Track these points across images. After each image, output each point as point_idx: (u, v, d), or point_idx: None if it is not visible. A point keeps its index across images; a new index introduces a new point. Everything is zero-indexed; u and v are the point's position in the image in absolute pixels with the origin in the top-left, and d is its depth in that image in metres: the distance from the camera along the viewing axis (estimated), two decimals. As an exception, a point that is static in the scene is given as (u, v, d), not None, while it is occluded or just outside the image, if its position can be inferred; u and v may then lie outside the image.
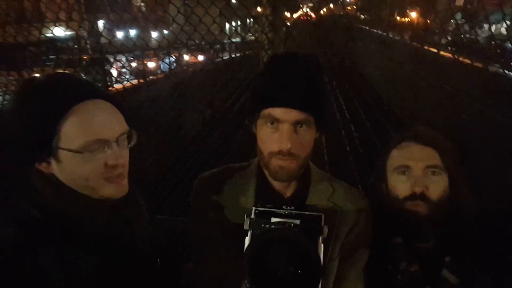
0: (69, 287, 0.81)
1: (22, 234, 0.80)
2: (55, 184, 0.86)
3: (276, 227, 0.84)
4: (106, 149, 0.86)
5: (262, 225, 0.85)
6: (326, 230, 0.86)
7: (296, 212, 0.87)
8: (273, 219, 0.86)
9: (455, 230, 1.11)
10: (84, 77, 0.87)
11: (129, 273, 0.93)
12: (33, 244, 0.79)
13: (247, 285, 0.76)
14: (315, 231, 0.86)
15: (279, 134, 0.95)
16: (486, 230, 1.11)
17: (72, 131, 0.81)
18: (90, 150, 0.83)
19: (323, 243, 0.86)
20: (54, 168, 0.86)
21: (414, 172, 1.13)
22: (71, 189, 0.87)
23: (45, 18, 2.68)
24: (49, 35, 2.82)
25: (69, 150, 0.82)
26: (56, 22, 2.72)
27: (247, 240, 0.85)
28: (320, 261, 0.78)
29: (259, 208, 0.88)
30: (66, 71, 0.91)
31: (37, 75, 0.93)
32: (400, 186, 1.16)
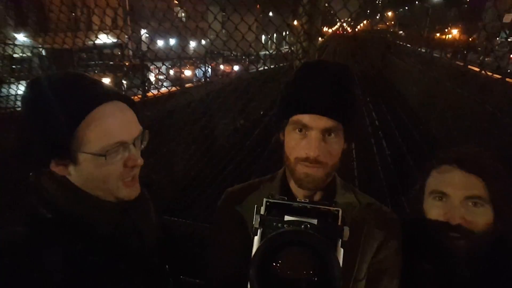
0: (76, 287, 0.81)
1: (32, 233, 0.80)
2: (67, 186, 0.86)
3: (290, 228, 0.73)
4: (124, 151, 0.87)
5: (274, 223, 0.75)
6: (347, 232, 0.74)
7: (312, 206, 0.79)
8: (287, 217, 0.76)
9: (498, 264, 0.99)
10: (97, 79, 0.87)
11: (135, 274, 0.93)
12: (41, 243, 0.79)
13: None
14: (334, 233, 0.74)
15: (307, 141, 0.93)
16: None
17: (93, 135, 0.81)
18: (110, 152, 0.83)
19: (342, 247, 0.74)
20: (70, 170, 0.85)
21: (452, 201, 1.01)
22: (82, 191, 0.87)
23: (93, 25, 2.85)
24: (96, 42, 2.99)
25: (92, 154, 0.82)
26: (103, 29, 2.88)
27: (256, 240, 0.75)
28: (340, 269, 0.68)
29: (270, 200, 0.81)
30: (81, 72, 0.92)
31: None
32: (434, 212, 1.05)
